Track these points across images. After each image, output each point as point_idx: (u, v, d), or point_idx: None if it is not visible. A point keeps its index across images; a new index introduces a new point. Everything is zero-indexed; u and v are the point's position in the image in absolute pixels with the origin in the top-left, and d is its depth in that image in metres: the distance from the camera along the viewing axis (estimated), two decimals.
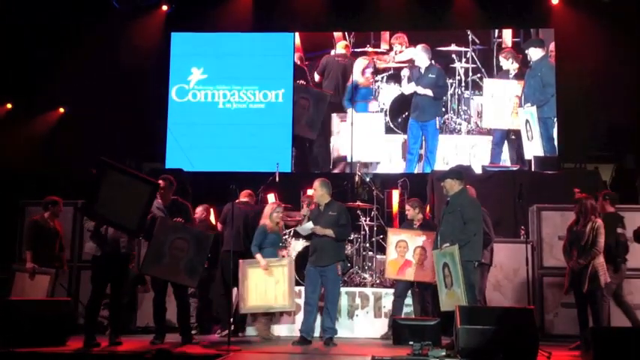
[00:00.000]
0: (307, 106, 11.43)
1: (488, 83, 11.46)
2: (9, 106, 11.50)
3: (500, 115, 11.38)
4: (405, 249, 8.10)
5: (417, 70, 11.47)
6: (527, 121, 11.17)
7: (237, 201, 8.06)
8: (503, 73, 11.45)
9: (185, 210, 7.46)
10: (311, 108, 11.44)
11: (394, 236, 8.23)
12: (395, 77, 11.67)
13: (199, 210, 8.61)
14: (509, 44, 11.59)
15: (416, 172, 11.22)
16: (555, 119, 11.15)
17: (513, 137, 11.28)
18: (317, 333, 7.78)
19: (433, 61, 11.48)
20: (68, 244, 8.80)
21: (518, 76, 11.40)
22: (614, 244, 7.52)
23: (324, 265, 7.43)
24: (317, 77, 11.71)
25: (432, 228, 8.11)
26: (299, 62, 11.82)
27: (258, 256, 7.75)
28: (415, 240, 8.10)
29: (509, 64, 11.39)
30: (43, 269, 8.02)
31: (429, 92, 11.34)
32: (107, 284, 7.06)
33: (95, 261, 6.98)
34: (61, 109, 11.85)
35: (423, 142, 11.37)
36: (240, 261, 7.79)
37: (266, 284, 7.76)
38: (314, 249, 7.51)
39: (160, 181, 7.20)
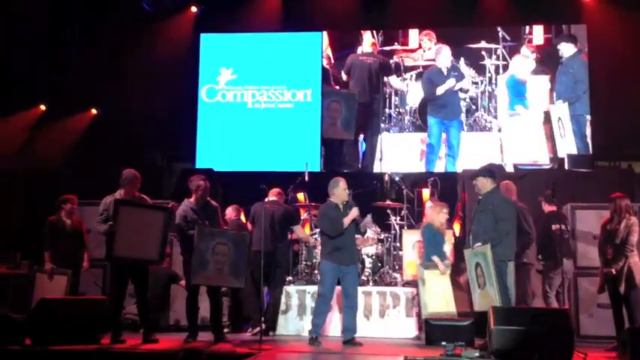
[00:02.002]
0: (339, 109, 11.38)
1: (502, 80, 11.28)
2: (42, 107, 11.65)
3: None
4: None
5: (439, 71, 11.31)
6: (559, 119, 11.02)
7: (265, 200, 8.09)
8: None
9: (216, 211, 7.54)
10: (343, 109, 11.38)
11: (410, 237, 8.16)
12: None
13: (229, 211, 8.65)
14: (541, 41, 11.43)
15: (443, 171, 11.14)
16: (588, 116, 10.98)
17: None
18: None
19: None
20: (101, 243, 8.88)
21: (537, 72, 11.18)
22: (548, 240, 7.69)
23: (350, 264, 7.40)
24: (344, 77, 11.69)
25: (447, 227, 8.24)
26: (326, 62, 11.80)
27: (436, 259, 7.67)
28: None
29: (528, 55, 11.21)
30: (60, 270, 8.07)
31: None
32: (127, 282, 7.18)
33: (112, 260, 7.13)
34: (93, 110, 11.97)
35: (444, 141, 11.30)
36: (418, 263, 7.86)
37: (444, 289, 7.67)
38: (338, 247, 7.35)
39: (201, 182, 7.35)
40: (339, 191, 7.50)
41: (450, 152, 11.22)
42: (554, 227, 7.72)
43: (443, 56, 11.32)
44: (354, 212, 7.38)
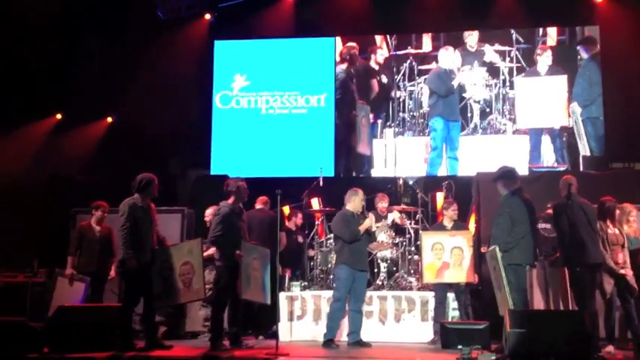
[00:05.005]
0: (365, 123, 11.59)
1: (519, 82, 11.30)
2: (58, 116, 11.77)
3: (536, 114, 11.20)
4: (441, 251, 7.97)
5: (446, 71, 11.48)
6: (575, 121, 10.98)
7: (254, 209, 8.27)
8: (532, 71, 11.29)
9: (244, 215, 7.57)
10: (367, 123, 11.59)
11: (429, 239, 8.08)
12: None
13: (209, 212, 8.25)
14: (555, 43, 11.39)
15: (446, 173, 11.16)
16: (602, 118, 10.92)
17: (565, 135, 11.06)
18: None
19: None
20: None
21: (553, 72, 11.19)
22: None
23: (363, 269, 7.67)
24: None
25: (464, 228, 8.29)
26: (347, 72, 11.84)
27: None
28: (451, 241, 7.99)
29: (545, 60, 11.20)
30: (80, 276, 8.06)
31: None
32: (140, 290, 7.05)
33: (125, 268, 6.94)
34: (109, 119, 12.08)
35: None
36: None
37: None
38: (354, 253, 7.56)
39: (241, 182, 7.41)
40: (357, 202, 7.78)
41: (452, 154, 11.25)
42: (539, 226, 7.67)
43: (454, 58, 11.42)
44: (368, 222, 7.67)
